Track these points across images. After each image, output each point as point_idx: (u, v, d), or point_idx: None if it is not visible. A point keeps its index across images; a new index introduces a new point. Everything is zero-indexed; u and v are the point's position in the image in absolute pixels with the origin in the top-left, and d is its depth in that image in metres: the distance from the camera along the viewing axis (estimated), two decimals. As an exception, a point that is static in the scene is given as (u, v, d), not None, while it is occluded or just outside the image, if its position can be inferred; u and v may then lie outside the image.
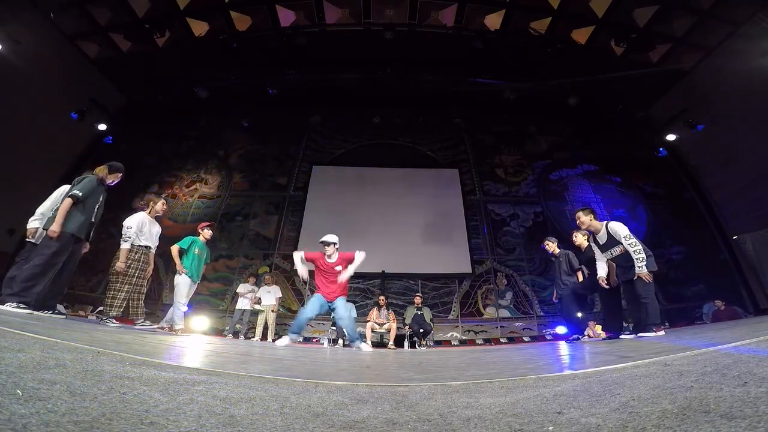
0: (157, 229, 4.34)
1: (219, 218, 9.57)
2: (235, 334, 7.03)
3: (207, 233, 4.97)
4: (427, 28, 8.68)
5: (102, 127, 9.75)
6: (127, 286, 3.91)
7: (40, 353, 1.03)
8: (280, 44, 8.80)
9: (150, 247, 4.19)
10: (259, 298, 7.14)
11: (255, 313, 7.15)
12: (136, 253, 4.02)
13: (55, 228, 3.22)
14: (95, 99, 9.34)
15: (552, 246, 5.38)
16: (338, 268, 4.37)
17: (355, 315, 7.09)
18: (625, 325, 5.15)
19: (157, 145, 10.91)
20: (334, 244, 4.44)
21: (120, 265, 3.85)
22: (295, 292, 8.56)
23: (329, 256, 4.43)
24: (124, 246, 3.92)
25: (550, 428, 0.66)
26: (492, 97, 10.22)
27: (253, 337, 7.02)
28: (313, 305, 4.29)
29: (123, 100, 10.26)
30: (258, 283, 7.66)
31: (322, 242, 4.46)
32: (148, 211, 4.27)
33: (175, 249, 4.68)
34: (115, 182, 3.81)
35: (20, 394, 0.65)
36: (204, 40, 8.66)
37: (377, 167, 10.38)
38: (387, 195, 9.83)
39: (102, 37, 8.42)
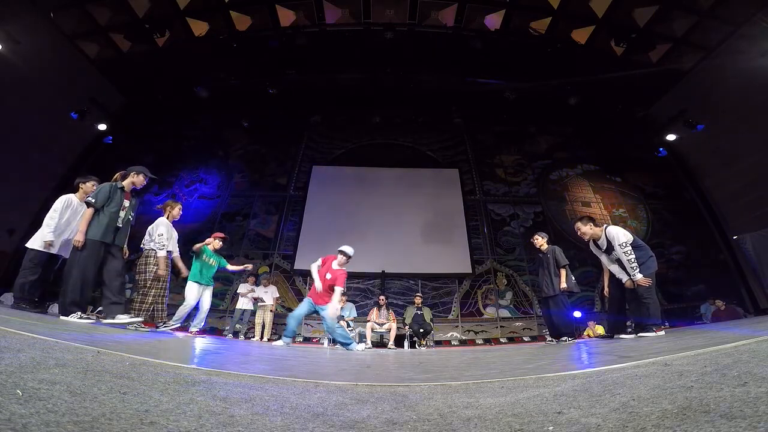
0: (175, 234, 4.32)
1: (219, 218, 9.57)
2: (235, 334, 7.03)
3: (217, 244, 5.03)
4: (426, 28, 8.67)
5: (102, 127, 9.75)
6: (154, 291, 3.89)
7: (40, 353, 1.03)
8: (280, 44, 8.80)
9: (172, 253, 4.17)
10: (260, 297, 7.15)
11: (255, 313, 7.16)
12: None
13: (78, 237, 3.34)
14: (95, 99, 9.34)
15: (541, 241, 5.08)
16: (328, 276, 4.58)
17: (356, 315, 7.09)
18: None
19: (157, 145, 10.90)
20: (349, 258, 4.71)
21: (161, 272, 3.86)
22: (295, 292, 8.56)
23: (340, 264, 4.65)
24: (161, 253, 3.90)
25: (550, 428, 0.66)
26: (492, 97, 10.22)
27: (253, 337, 7.02)
28: (300, 308, 4.58)
29: (123, 100, 10.26)
30: (257, 283, 7.67)
31: (341, 251, 4.67)
32: (166, 215, 4.19)
33: (198, 247, 4.76)
34: (140, 185, 3.81)
35: (20, 394, 0.65)
36: (204, 40, 8.66)
37: (377, 167, 10.37)
38: (387, 195, 9.82)
39: (102, 37, 8.42)
